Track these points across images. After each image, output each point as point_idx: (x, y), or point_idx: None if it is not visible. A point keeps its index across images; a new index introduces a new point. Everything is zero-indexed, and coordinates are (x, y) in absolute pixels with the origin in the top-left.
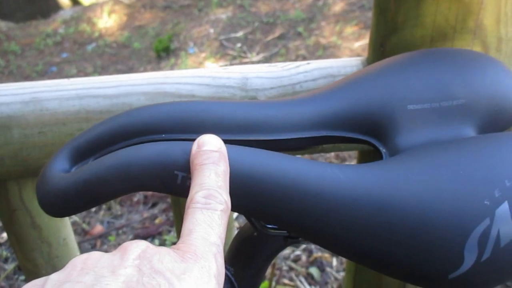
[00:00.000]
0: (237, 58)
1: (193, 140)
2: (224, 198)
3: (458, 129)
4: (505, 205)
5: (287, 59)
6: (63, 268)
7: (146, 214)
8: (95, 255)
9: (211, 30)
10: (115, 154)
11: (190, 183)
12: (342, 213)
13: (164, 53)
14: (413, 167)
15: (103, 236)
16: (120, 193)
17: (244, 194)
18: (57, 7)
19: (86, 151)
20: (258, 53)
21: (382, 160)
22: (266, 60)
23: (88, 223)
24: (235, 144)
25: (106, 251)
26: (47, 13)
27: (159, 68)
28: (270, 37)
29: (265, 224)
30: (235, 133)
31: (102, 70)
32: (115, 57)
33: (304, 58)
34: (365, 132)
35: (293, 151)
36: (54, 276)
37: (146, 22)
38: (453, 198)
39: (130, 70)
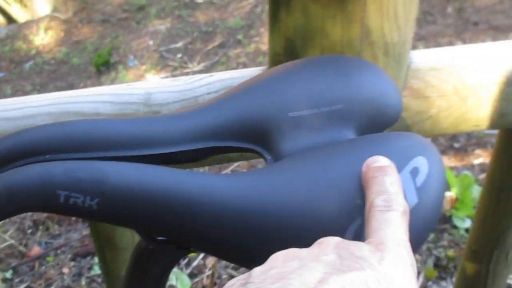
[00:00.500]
0: (178, 69)
1: (79, 159)
2: (402, 201)
3: (338, 132)
4: None
5: (228, 67)
6: (264, 263)
7: (85, 232)
8: (293, 250)
9: (151, 42)
10: None
11: (74, 201)
12: (222, 220)
13: (104, 68)
14: (287, 172)
15: (41, 258)
16: (5, 215)
17: (127, 207)
18: None
19: None
20: (199, 63)
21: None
22: (207, 69)
23: (25, 245)
24: (123, 160)
25: (45, 273)
26: None
27: (99, 83)
28: (210, 46)
29: (155, 236)
30: (123, 150)
31: (41, 88)
32: (54, 74)
33: (245, 65)
34: (251, 141)
35: (186, 164)
36: (258, 268)
37: (84, 37)
38: (324, 199)
39: (70, 86)
